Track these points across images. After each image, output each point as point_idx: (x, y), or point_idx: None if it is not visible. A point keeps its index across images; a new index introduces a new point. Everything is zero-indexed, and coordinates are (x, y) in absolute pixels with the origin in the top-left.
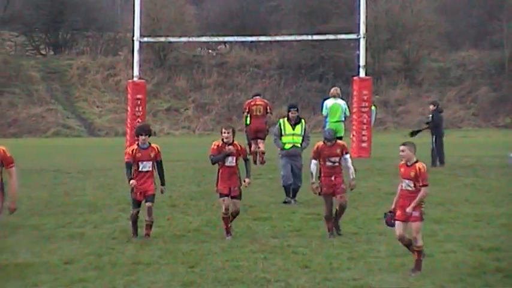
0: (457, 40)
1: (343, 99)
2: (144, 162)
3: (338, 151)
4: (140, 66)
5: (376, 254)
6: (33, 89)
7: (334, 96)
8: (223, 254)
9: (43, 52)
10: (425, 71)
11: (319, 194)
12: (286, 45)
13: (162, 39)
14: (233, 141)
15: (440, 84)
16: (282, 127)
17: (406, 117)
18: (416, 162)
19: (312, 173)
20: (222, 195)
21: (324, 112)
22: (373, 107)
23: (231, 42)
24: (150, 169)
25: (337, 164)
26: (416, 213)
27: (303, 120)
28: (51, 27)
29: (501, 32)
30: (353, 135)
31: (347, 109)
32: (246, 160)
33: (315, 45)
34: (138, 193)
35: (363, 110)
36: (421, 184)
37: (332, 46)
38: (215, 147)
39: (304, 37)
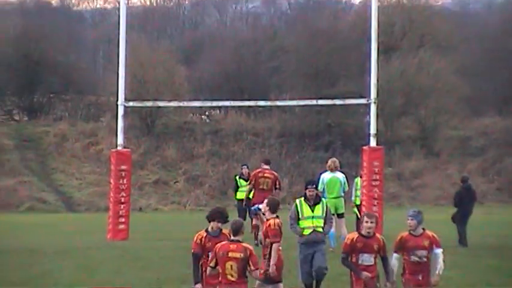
0: (479, 106)
1: (342, 172)
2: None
3: (426, 243)
4: (125, 133)
5: None
6: (4, 159)
7: (332, 169)
8: None
9: (16, 118)
10: (443, 140)
11: None
12: (288, 111)
13: (150, 103)
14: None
15: (461, 155)
16: (299, 209)
17: (423, 192)
18: None
19: (392, 270)
20: None
21: (320, 187)
22: (356, 179)
23: (226, 107)
24: None
25: (425, 259)
26: None
27: (323, 200)
28: (26, 90)
29: None
30: (362, 211)
31: (345, 183)
32: (385, 259)
33: (321, 111)
34: None
35: (374, 183)
36: None
37: (340, 112)
38: (349, 242)
39: (309, 102)
